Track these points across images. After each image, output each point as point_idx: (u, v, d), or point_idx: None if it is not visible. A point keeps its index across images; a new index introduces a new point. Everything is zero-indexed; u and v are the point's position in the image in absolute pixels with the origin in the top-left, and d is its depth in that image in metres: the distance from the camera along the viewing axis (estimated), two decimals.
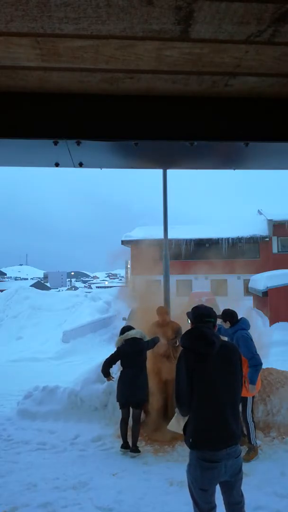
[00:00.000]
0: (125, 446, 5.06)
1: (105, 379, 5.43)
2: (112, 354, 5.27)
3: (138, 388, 5.10)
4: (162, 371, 5.65)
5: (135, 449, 5.00)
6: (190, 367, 2.70)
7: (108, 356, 5.30)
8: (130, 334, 5.25)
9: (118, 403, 5.27)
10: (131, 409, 5.19)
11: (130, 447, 5.03)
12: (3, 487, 4.14)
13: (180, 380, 2.74)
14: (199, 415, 2.72)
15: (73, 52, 2.74)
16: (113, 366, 5.40)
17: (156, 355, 5.78)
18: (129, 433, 5.15)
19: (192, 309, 3.03)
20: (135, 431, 5.08)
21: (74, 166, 4.19)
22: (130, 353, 5.16)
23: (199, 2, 2.23)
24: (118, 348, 5.27)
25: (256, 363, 4.71)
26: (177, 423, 3.05)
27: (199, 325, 2.86)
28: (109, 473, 4.43)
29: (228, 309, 5.17)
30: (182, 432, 2.97)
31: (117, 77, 3.09)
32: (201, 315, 2.93)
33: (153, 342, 5.36)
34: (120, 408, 5.22)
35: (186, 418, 2.97)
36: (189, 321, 2.99)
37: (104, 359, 5.29)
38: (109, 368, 5.27)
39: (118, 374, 5.32)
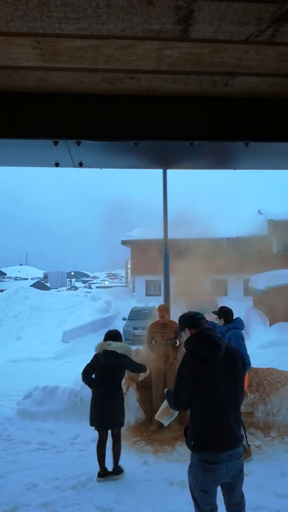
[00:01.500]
0: (102, 474, 4.37)
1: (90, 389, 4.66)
2: (88, 363, 4.58)
3: (114, 410, 4.43)
4: (163, 371, 5.66)
5: (117, 470, 4.41)
6: (194, 370, 2.69)
7: (85, 366, 4.60)
8: (113, 346, 4.48)
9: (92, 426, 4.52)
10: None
11: (108, 473, 4.39)
12: (3, 487, 4.14)
13: (181, 382, 2.74)
14: (201, 417, 2.71)
15: (73, 52, 2.74)
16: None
17: (157, 355, 5.78)
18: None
19: (180, 319, 3.03)
20: (116, 451, 4.47)
21: (74, 166, 4.19)
22: (105, 367, 4.43)
23: (199, 2, 2.23)
24: (95, 355, 4.57)
25: (245, 363, 4.75)
26: (166, 414, 3.07)
27: (203, 329, 2.86)
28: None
29: (225, 307, 5.22)
30: (167, 422, 3.03)
31: (117, 77, 3.09)
32: (192, 317, 2.96)
33: (139, 368, 4.69)
34: (95, 430, 4.51)
35: (176, 413, 3.03)
36: (187, 331, 2.94)
37: (82, 370, 4.61)
38: (90, 377, 4.57)
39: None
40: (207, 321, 3.03)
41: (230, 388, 2.73)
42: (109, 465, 4.45)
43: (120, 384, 4.58)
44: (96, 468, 4.35)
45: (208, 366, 2.70)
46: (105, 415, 4.42)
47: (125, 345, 4.63)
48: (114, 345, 4.50)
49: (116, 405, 4.45)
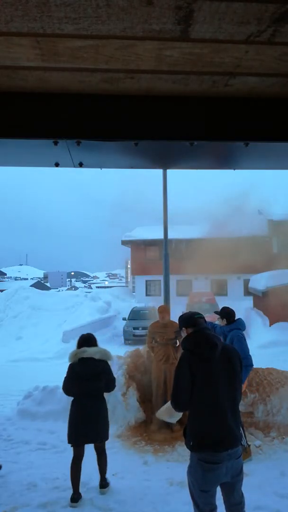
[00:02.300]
0: (76, 498, 3.89)
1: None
2: (65, 377, 4.17)
3: (99, 423, 4.05)
4: (163, 371, 5.66)
5: (104, 484, 4.12)
6: (193, 370, 2.69)
7: (63, 381, 4.19)
8: (88, 352, 4.07)
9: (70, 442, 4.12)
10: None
11: (81, 497, 3.93)
12: (3, 487, 4.14)
13: (180, 382, 2.74)
14: (200, 417, 2.71)
15: (73, 52, 2.74)
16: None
17: (157, 355, 5.78)
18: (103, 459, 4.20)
19: (179, 319, 3.06)
20: (102, 463, 4.16)
21: (74, 166, 4.19)
22: (84, 376, 4.02)
23: (199, 2, 2.23)
24: (70, 366, 4.13)
25: (248, 364, 4.76)
26: (167, 414, 3.08)
27: (201, 328, 2.87)
28: (109, 473, 4.42)
29: (227, 307, 5.21)
30: (170, 421, 3.08)
31: (117, 77, 3.09)
32: (190, 316, 2.97)
33: (114, 382, 4.21)
34: (73, 447, 4.10)
35: (180, 413, 3.01)
36: (185, 330, 2.96)
37: (62, 386, 4.22)
38: (73, 389, 4.13)
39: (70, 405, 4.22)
40: (205, 321, 3.03)
41: (230, 388, 2.73)
42: (99, 474, 4.19)
43: (102, 393, 4.16)
44: (96, 468, 4.32)
45: (207, 365, 2.70)
46: (89, 429, 4.01)
47: (101, 349, 4.19)
48: (89, 351, 4.08)
49: (101, 417, 4.08)
